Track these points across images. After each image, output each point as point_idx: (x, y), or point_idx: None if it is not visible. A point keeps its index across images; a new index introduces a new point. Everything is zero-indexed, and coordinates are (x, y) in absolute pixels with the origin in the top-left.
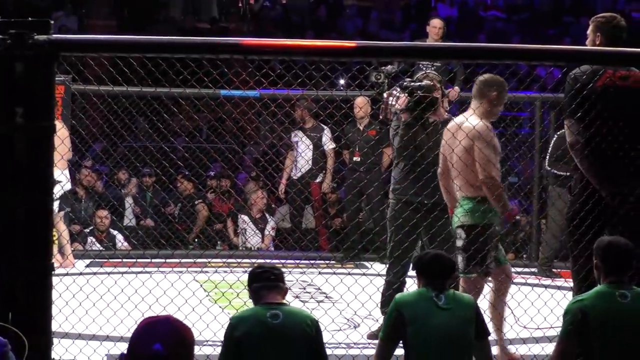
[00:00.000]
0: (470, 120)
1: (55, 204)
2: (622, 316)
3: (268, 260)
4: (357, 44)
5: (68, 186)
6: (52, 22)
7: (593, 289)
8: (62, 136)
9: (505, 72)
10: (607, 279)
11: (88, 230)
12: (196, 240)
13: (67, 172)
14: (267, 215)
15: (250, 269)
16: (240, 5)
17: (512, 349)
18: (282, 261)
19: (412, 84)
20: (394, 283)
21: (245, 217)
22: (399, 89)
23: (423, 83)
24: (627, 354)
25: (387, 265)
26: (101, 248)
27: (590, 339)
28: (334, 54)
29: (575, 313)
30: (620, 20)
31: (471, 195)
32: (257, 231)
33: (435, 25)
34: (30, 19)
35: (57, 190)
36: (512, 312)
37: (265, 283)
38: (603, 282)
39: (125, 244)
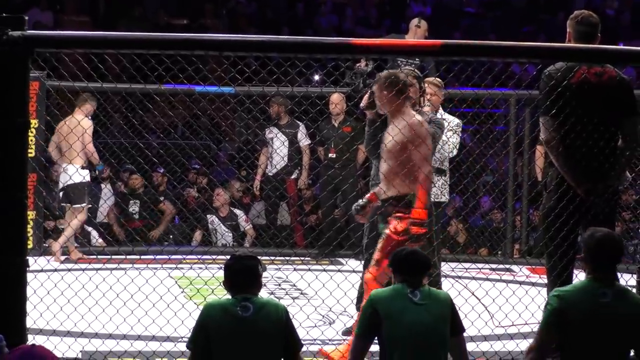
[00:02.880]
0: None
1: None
2: (601, 315)
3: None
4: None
5: (76, 178)
6: (26, 18)
7: (575, 282)
8: (80, 129)
9: (480, 68)
10: (590, 274)
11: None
12: (171, 236)
13: (77, 166)
14: (233, 210)
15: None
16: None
17: (486, 345)
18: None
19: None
20: None
21: (214, 218)
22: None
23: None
24: (602, 352)
25: (363, 262)
26: (76, 244)
27: (567, 334)
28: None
29: (555, 306)
30: (588, 16)
31: None
32: (228, 230)
33: (421, 25)
34: (4, 14)
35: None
36: (486, 309)
37: (241, 276)
38: (587, 276)
39: (100, 240)
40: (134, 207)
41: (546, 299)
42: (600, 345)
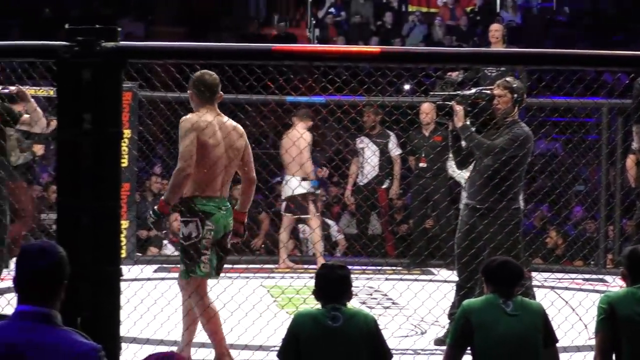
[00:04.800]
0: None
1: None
2: None
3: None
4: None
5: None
6: (119, 29)
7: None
8: (303, 142)
9: (572, 78)
10: (634, 285)
11: (163, 233)
12: (262, 246)
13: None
14: (327, 220)
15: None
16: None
17: (579, 356)
18: (349, 267)
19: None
20: (462, 288)
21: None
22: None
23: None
24: None
25: (456, 272)
26: (174, 251)
27: (618, 331)
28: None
29: (604, 307)
30: None
31: None
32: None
33: (491, 29)
34: (96, 26)
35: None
36: (580, 319)
37: (333, 286)
38: (629, 286)
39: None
40: None
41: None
42: None
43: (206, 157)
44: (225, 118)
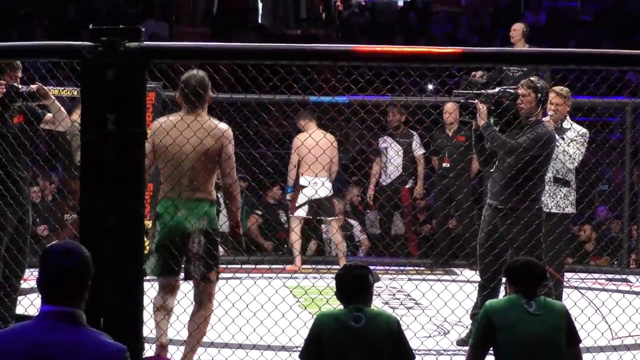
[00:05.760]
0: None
1: (304, 209)
2: None
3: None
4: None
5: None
6: (143, 29)
7: None
8: (323, 145)
9: (596, 77)
10: None
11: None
12: (286, 246)
13: (323, 180)
14: (349, 220)
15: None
16: (323, 11)
17: (602, 356)
18: (372, 267)
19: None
20: (484, 289)
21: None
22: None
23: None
24: None
25: (478, 272)
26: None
27: None
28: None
29: None
30: None
31: (212, 199)
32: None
33: (513, 28)
34: (120, 26)
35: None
36: (604, 319)
37: (352, 286)
38: None
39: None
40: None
41: None
42: None
43: (160, 159)
44: (205, 119)
